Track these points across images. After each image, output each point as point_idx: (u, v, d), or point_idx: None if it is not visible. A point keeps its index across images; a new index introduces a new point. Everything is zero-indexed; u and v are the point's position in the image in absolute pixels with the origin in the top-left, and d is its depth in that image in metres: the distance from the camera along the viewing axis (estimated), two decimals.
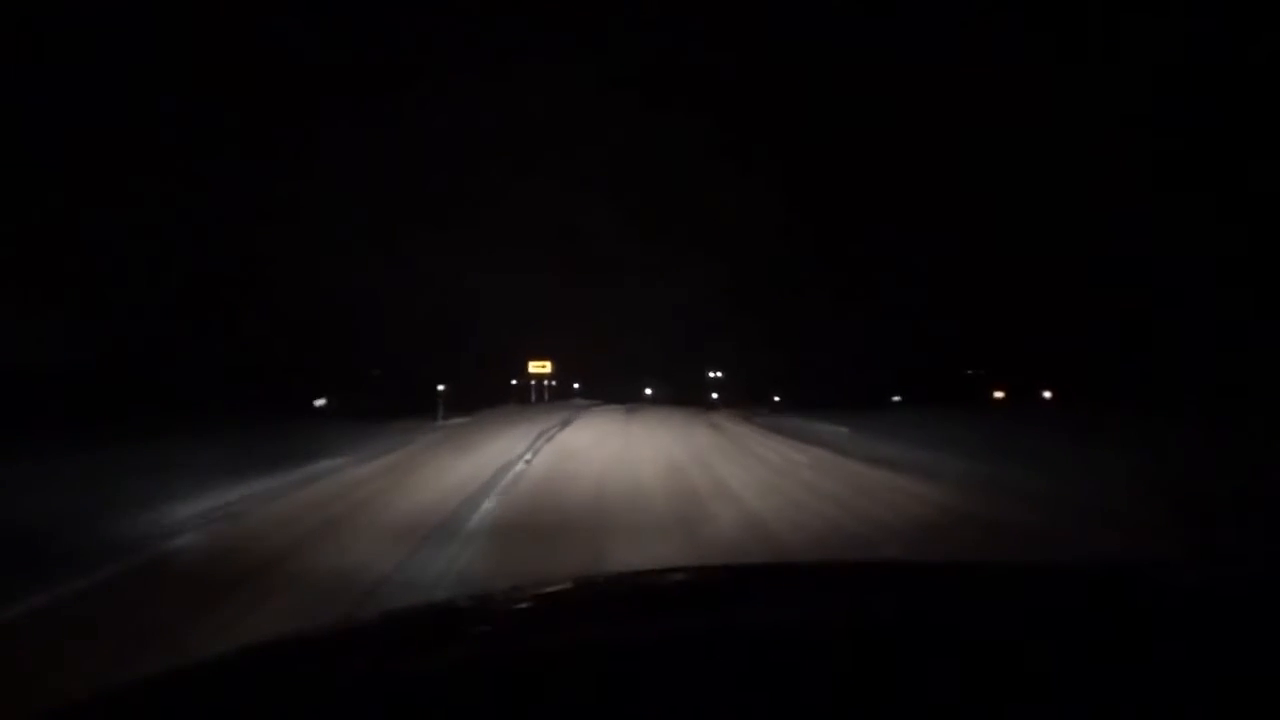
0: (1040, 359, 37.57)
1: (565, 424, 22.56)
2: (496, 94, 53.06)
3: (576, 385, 65.82)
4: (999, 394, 37.15)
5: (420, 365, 32.99)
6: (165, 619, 4.53)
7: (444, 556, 6.07)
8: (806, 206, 56.21)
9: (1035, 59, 39.40)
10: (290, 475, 10.68)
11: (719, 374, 66.80)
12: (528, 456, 13.38)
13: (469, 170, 60.53)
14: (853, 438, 17.14)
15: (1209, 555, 5.74)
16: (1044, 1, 38.74)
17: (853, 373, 42.77)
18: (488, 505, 8.48)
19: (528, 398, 51.38)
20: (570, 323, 68.29)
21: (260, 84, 32.95)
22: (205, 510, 7.95)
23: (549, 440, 17.01)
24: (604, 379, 66.24)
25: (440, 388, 24.63)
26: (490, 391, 40.26)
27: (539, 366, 57.01)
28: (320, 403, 20.79)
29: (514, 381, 53.62)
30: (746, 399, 48.23)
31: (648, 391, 65.92)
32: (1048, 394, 34.45)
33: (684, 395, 60.05)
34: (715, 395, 58.57)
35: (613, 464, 12.54)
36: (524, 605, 1.48)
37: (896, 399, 36.85)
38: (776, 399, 43.85)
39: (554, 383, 59.12)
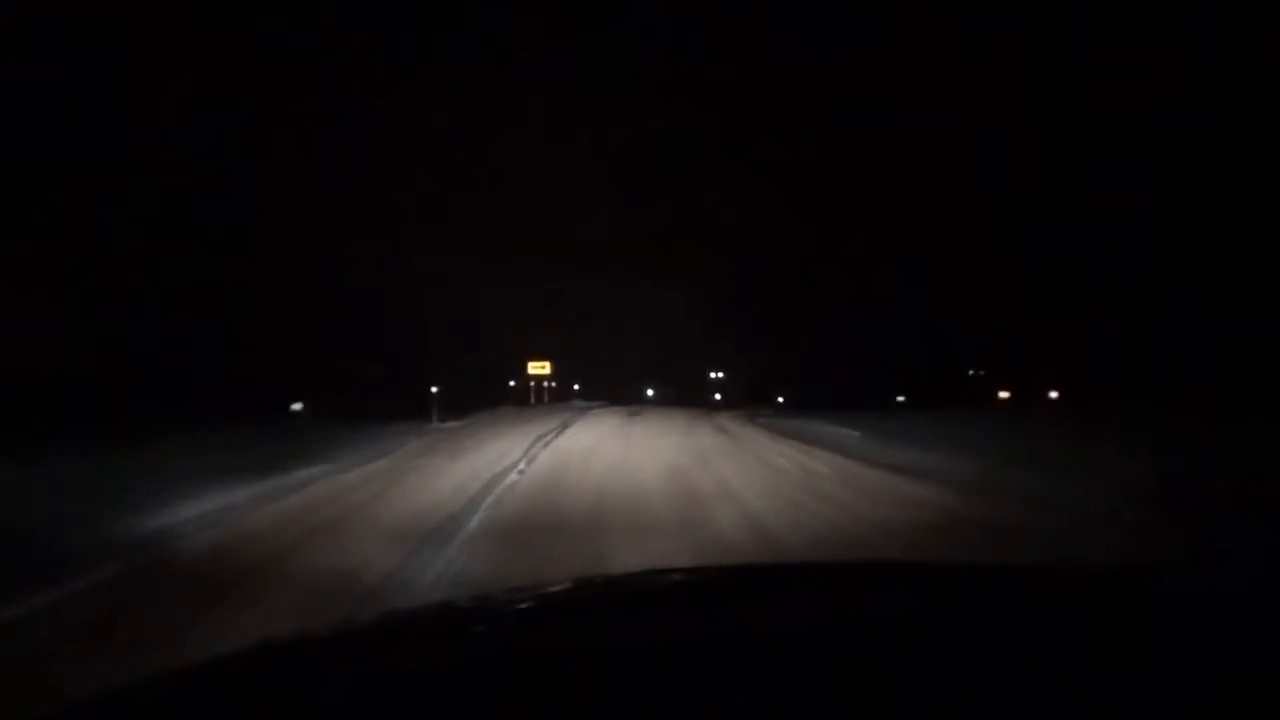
0: (1042, 359, 37.30)
1: (563, 428, 22.01)
2: (496, 94, 52.80)
3: (576, 386, 65.35)
4: (1004, 394, 36.76)
5: (418, 366, 32.60)
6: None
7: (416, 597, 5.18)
8: (807, 206, 55.97)
9: (1036, 59, 39.12)
10: (255, 488, 9.80)
11: (720, 374, 66.60)
12: (521, 466, 12.74)
13: (468, 170, 60.36)
14: (869, 442, 16.57)
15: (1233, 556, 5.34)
16: (1045, 2, 38.49)
17: (854, 373, 42.48)
18: (473, 526, 7.70)
19: (526, 399, 50.73)
20: (570, 323, 67.85)
21: (260, 83, 32.76)
22: (143, 535, 7.04)
23: (546, 446, 16.43)
24: (604, 380, 66.00)
25: (434, 390, 24.00)
26: (488, 393, 39.91)
27: (538, 367, 56.19)
28: (297, 407, 20.11)
29: (512, 383, 52.97)
30: (748, 399, 47.97)
31: (649, 392, 65.61)
32: (1054, 394, 34.04)
33: (685, 396, 59.82)
34: (718, 396, 58.30)
35: (613, 476, 11.74)
36: (523, 606, 1.48)
37: (900, 400, 36.51)
38: (780, 400, 43.51)
39: (553, 384, 58.56)
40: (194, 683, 1.12)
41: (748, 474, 11.94)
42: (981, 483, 10.19)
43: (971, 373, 44.83)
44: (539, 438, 18.14)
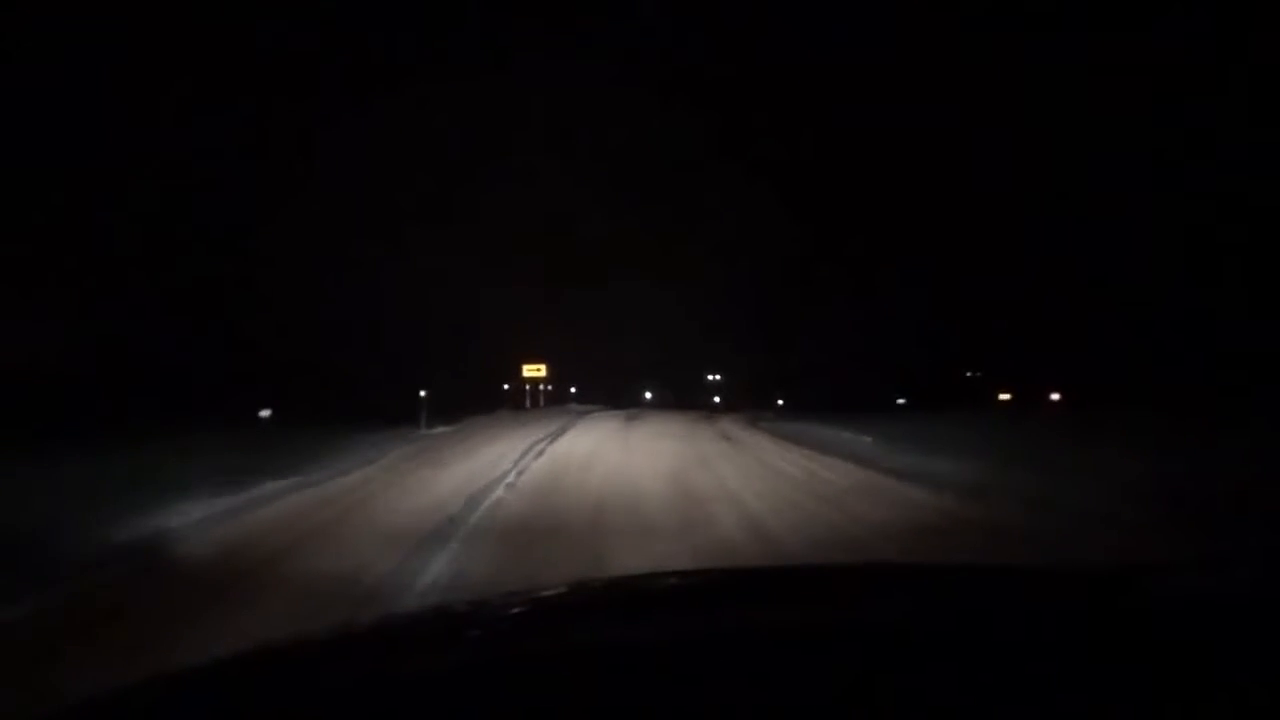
0: (1042, 360, 37.30)
1: (559, 434, 21.27)
2: (496, 94, 52.80)
3: (573, 389, 64.79)
4: (1004, 396, 36.76)
5: (417, 366, 32.45)
6: None
7: None
8: (807, 206, 55.99)
9: (1036, 59, 39.12)
10: (216, 504, 8.95)
11: (718, 376, 66.50)
12: (510, 479, 11.81)
13: (468, 170, 60.35)
14: (882, 448, 15.88)
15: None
16: (1045, 3, 38.49)
17: (853, 373, 42.49)
18: (452, 547, 6.91)
19: (521, 402, 49.52)
20: (567, 324, 67.46)
21: (260, 83, 32.79)
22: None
23: (538, 456, 15.44)
24: (601, 382, 65.58)
25: (422, 393, 22.72)
26: (482, 396, 39.62)
27: (533, 370, 54.83)
28: (265, 414, 19.04)
29: (506, 386, 51.93)
30: (748, 401, 47.90)
31: (647, 395, 65.44)
32: (1056, 396, 34.02)
33: (684, 398, 59.71)
34: (717, 399, 58.22)
35: (613, 489, 10.88)
36: (520, 609, 1.48)
37: (901, 401, 36.48)
38: (780, 402, 43.51)
39: (549, 386, 57.71)
40: (190, 686, 1.12)
41: (763, 484, 11.12)
42: (1098, 511, 8.61)
43: (969, 374, 44.82)
44: (531, 447, 17.03)
